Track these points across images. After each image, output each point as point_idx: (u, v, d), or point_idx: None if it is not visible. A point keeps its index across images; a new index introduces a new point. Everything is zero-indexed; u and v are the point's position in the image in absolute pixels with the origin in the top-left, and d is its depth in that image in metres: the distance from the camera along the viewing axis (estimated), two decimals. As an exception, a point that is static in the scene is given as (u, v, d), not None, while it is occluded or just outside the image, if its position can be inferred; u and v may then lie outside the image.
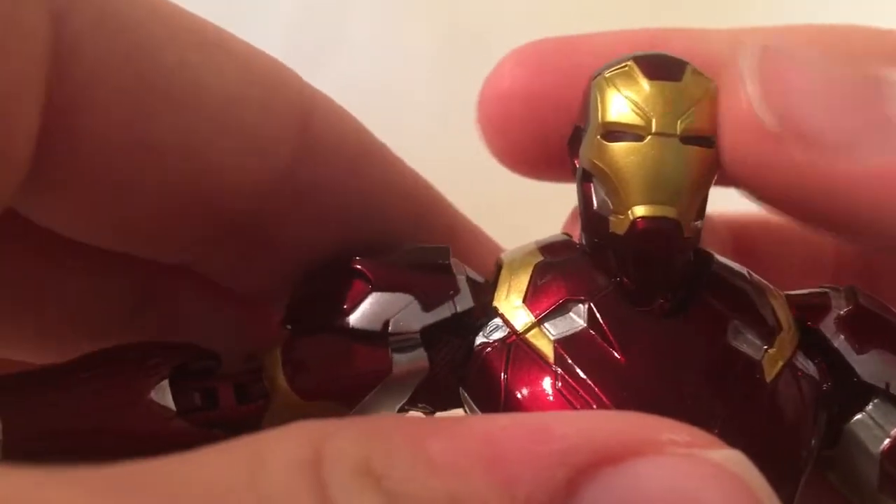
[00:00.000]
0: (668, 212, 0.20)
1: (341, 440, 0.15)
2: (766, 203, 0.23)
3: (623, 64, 0.21)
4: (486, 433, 0.16)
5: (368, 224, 0.26)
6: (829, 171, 0.20)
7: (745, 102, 0.20)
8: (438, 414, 0.24)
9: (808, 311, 0.23)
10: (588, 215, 0.22)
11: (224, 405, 0.22)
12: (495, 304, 0.23)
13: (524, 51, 0.25)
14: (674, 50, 0.22)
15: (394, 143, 0.26)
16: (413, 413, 0.24)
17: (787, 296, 0.24)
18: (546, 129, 0.24)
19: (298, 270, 0.25)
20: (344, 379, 0.22)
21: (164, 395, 0.21)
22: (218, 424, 0.22)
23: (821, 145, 0.20)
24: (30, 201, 0.21)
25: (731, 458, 0.16)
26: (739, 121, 0.21)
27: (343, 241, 0.25)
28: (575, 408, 0.21)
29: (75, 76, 0.20)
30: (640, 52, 0.22)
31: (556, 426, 0.16)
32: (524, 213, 0.26)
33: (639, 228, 0.21)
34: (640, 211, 0.21)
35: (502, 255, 0.24)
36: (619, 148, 0.21)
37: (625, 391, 0.21)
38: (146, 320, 0.26)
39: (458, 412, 0.23)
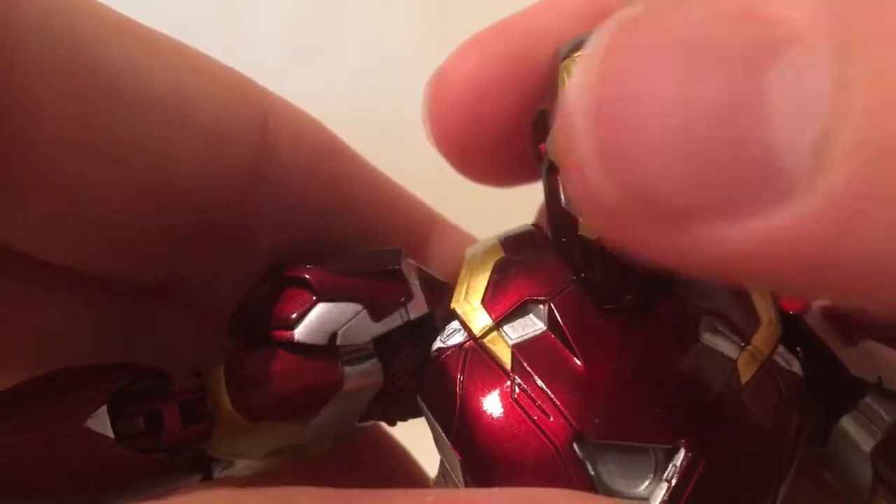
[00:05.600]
0: None
1: None
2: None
3: None
4: None
5: (341, 223, 0.24)
6: (695, 247, 0.13)
7: (576, 160, 0.14)
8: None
9: (792, 298, 0.21)
10: (555, 211, 0.20)
11: (169, 428, 0.21)
12: (453, 305, 0.21)
13: (466, 46, 0.23)
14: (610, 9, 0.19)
15: (392, 140, 0.26)
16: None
17: None
18: (497, 123, 0.22)
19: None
20: (291, 397, 0.20)
21: (102, 422, 0.20)
22: (163, 449, 0.20)
23: (677, 214, 0.13)
24: None
25: None
26: (569, 174, 0.14)
27: (319, 242, 0.24)
28: (531, 418, 0.19)
29: (18, 77, 0.19)
30: None
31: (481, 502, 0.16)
32: (523, 210, 0.25)
33: None
34: None
35: (466, 252, 0.23)
36: None
37: (584, 401, 0.19)
38: (132, 346, 0.25)
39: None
